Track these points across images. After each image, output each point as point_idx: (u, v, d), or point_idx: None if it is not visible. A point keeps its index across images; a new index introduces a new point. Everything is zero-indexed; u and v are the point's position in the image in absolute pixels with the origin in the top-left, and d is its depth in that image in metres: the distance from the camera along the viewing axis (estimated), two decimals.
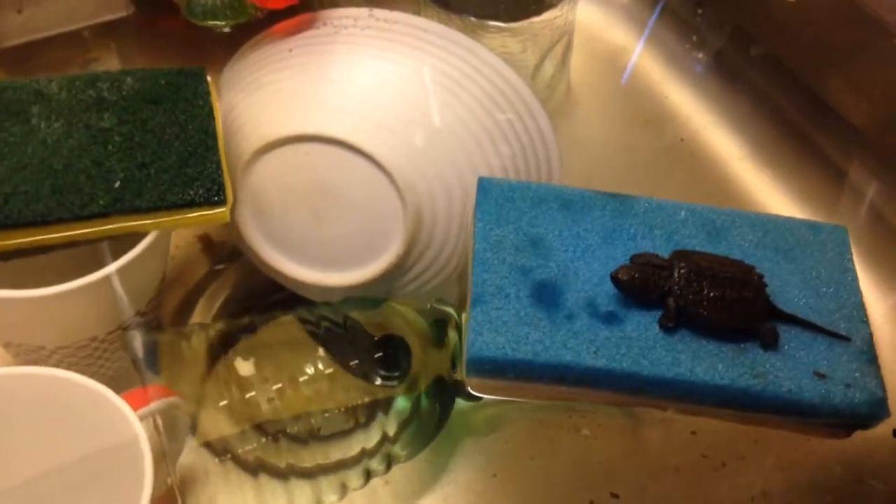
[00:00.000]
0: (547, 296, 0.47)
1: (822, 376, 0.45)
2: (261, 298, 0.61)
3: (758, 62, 0.74)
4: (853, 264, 0.49)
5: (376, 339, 0.48)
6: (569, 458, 0.57)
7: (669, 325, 0.46)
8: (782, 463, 0.55)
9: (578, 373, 0.45)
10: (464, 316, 0.49)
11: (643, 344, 0.45)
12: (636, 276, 0.45)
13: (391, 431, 0.47)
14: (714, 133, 0.70)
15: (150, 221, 0.47)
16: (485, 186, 0.51)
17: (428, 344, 0.50)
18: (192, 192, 0.47)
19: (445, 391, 0.50)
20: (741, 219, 0.51)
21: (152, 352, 0.45)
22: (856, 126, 0.68)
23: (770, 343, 0.46)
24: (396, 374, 0.47)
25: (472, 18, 0.64)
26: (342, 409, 0.46)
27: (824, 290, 0.48)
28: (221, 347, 0.47)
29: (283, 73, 0.54)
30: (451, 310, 0.52)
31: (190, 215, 0.47)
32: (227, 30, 0.65)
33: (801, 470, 0.55)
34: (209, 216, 0.48)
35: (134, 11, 0.68)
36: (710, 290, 0.45)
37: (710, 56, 0.75)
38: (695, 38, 0.76)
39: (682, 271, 0.45)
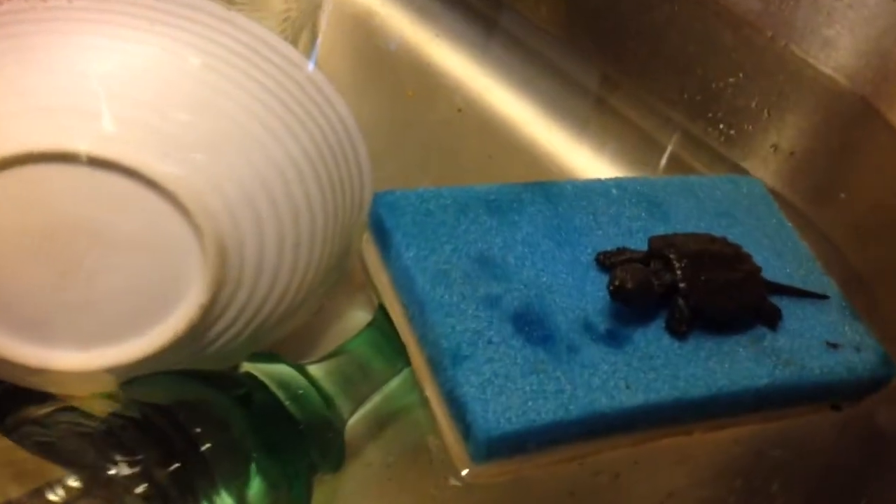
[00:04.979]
0: (534, 328, 0.36)
1: (835, 346, 0.39)
2: None
3: (515, 20, 0.67)
4: (783, 214, 0.45)
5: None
6: None
7: (683, 330, 0.37)
8: (677, 457, 0.49)
9: (613, 417, 0.35)
10: (425, 384, 0.36)
11: (666, 360, 0.36)
12: (640, 280, 0.36)
13: None
14: (492, 100, 0.62)
15: None
16: (390, 202, 0.38)
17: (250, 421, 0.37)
18: None
19: (297, 469, 0.37)
20: (669, 186, 0.44)
21: None
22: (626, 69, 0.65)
23: (775, 321, 0.39)
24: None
25: None
26: None
27: (778, 248, 0.43)
28: None
29: None
30: (283, 365, 0.39)
31: None
32: None
33: (700, 459, 0.49)
34: None
35: None
36: (714, 276, 0.38)
37: (470, 16, 0.66)
38: None
39: (683, 263, 0.37)
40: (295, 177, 0.39)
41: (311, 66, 0.42)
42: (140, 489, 0.32)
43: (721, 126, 0.61)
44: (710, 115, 0.62)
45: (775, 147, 0.60)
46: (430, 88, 0.62)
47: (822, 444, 0.47)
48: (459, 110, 0.61)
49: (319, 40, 0.61)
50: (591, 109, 0.64)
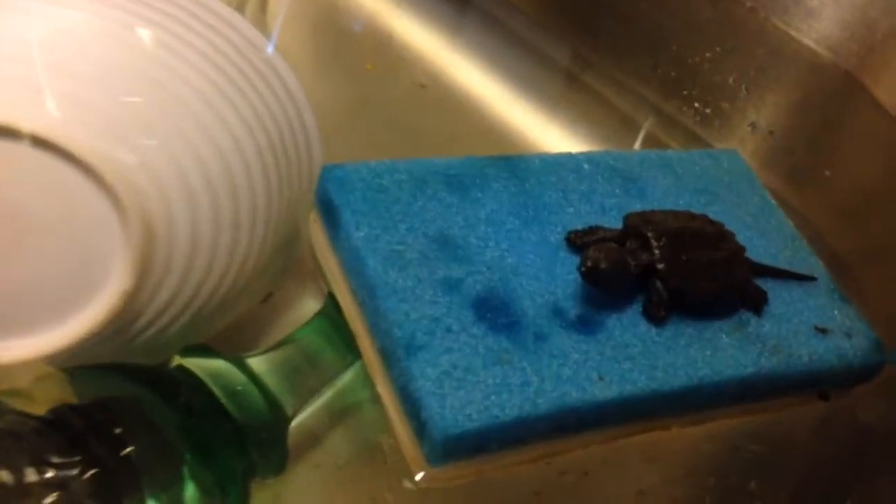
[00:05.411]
0: (497, 314, 0.32)
1: (824, 331, 0.36)
2: None
3: None
4: (765, 189, 0.42)
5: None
6: None
7: (662, 315, 0.34)
8: (649, 454, 0.46)
9: (585, 412, 0.31)
10: (377, 378, 0.32)
11: (643, 349, 0.33)
12: (615, 261, 0.33)
13: None
14: (457, 75, 0.58)
15: None
16: (338, 177, 0.35)
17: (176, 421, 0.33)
18: None
19: (233, 473, 0.34)
20: (644, 162, 0.41)
21: None
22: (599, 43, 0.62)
23: (760, 305, 0.36)
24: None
25: None
26: None
27: (762, 226, 0.40)
28: None
29: None
30: (220, 360, 0.35)
31: None
32: None
33: (673, 456, 0.46)
34: None
35: None
36: (695, 256, 0.34)
37: None
38: None
39: (661, 242, 0.34)
40: (232, 147, 0.35)
41: (250, 28, 0.38)
42: (51, 498, 0.29)
43: (696, 104, 0.58)
44: (685, 92, 0.59)
45: (753, 126, 0.57)
46: (391, 62, 0.58)
47: (806, 437, 0.44)
48: (422, 86, 0.58)
49: (272, 8, 0.57)
50: (562, 87, 0.61)
